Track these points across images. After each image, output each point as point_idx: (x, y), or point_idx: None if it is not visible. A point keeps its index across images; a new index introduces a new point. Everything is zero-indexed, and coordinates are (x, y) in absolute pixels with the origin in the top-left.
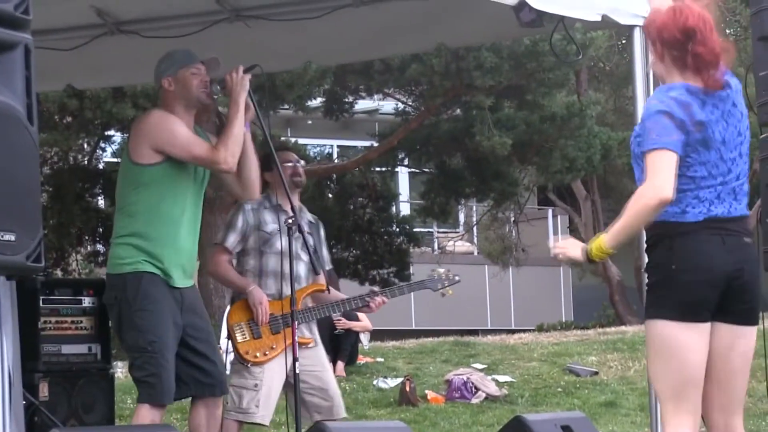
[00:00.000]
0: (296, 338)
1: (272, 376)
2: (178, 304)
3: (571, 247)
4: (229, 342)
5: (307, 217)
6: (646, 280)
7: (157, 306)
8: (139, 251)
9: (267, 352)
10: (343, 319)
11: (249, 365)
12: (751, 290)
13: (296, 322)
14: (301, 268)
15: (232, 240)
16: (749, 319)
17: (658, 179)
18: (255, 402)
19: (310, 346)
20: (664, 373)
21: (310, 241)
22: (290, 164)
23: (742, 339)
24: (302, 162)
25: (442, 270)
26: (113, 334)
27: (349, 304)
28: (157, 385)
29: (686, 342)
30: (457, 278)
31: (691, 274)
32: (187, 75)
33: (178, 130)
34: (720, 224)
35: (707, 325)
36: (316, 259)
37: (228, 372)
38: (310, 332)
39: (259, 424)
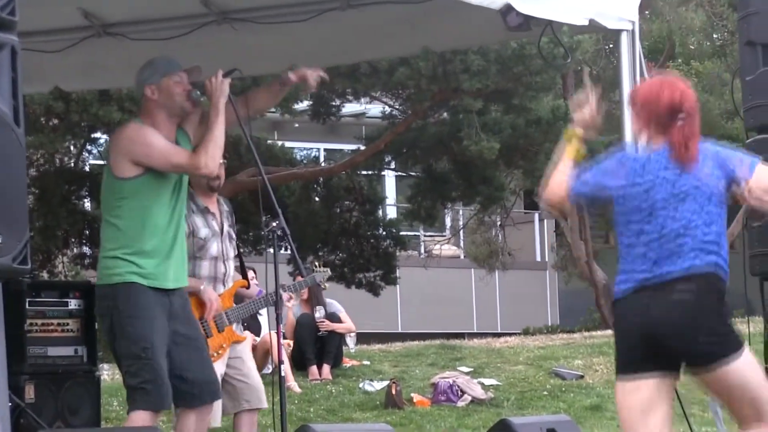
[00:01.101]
0: (281, 343)
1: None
2: (166, 310)
3: (584, 117)
4: None
5: (225, 208)
6: None
7: (148, 314)
8: (129, 263)
9: (219, 351)
10: (326, 321)
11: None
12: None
13: (231, 322)
14: (231, 268)
15: None
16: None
17: None
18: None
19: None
20: None
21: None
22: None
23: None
24: (222, 161)
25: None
26: (100, 337)
27: (268, 299)
28: (154, 392)
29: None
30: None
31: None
32: (170, 84)
33: (153, 142)
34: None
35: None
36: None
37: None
38: (239, 329)
39: (215, 428)
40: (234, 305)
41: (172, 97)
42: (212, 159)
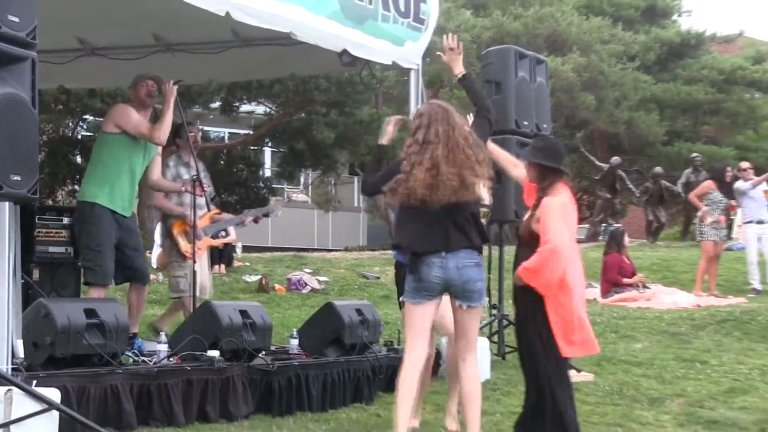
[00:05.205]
0: (197, 248)
1: (200, 267)
2: (117, 224)
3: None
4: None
5: (201, 167)
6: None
7: (102, 223)
8: (98, 190)
9: (197, 252)
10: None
11: (186, 260)
12: None
13: (206, 234)
14: (204, 201)
15: None
16: None
17: None
18: (187, 285)
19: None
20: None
21: (209, 189)
22: (192, 134)
23: None
24: (200, 132)
25: (273, 203)
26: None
27: (234, 220)
28: (100, 272)
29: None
30: (279, 212)
31: None
32: (139, 87)
33: (130, 116)
34: None
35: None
36: (210, 200)
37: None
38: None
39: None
40: (209, 224)
41: (138, 94)
42: (163, 134)
